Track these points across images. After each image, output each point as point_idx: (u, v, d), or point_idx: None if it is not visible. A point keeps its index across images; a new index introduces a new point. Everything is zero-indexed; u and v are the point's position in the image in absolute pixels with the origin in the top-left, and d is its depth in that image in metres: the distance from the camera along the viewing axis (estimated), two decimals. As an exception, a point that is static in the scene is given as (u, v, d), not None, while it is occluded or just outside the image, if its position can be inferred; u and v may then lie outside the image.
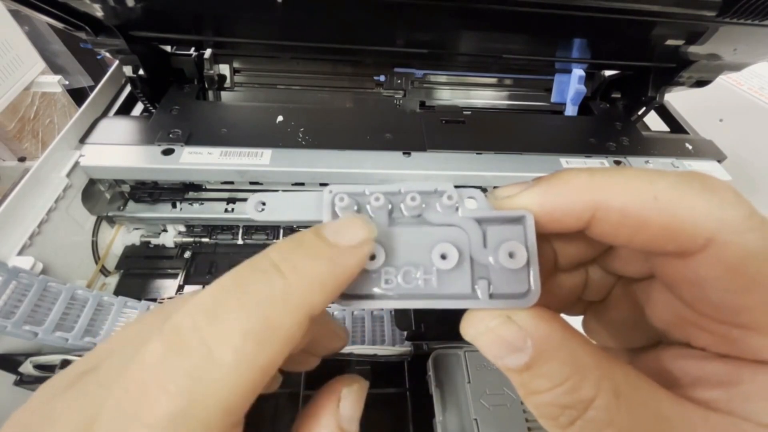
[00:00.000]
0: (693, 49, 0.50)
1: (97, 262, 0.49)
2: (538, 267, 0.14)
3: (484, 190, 0.52)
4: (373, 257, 0.14)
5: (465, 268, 0.14)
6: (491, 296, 0.14)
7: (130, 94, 0.58)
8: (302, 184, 0.50)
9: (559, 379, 0.13)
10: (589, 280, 0.18)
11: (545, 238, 0.16)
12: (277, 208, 0.16)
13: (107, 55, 0.55)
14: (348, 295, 0.14)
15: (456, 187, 0.15)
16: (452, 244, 0.14)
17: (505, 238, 0.14)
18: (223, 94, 0.62)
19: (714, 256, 0.12)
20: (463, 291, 0.14)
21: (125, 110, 0.57)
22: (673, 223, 0.13)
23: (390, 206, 0.15)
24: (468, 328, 0.14)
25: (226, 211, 0.53)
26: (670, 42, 0.49)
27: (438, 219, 0.15)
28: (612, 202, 0.13)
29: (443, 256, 0.14)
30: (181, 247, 0.54)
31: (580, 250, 0.17)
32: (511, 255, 0.14)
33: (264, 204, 0.16)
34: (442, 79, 0.65)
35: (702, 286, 0.13)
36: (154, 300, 0.46)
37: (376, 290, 0.14)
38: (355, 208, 0.15)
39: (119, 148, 0.48)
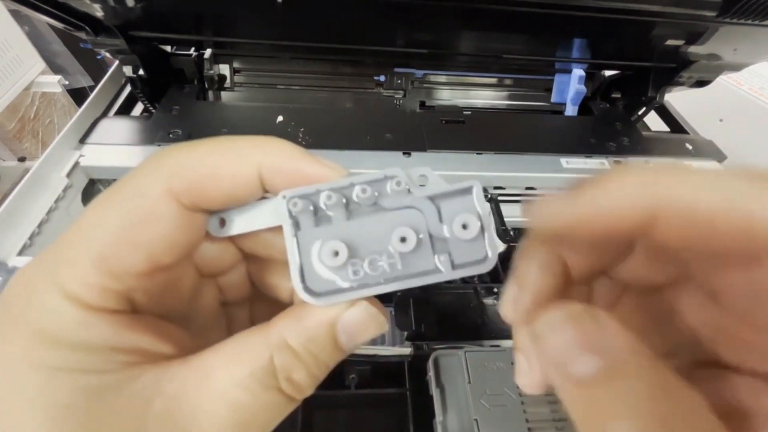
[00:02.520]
0: (693, 49, 0.50)
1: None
2: (493, 230, 0.15)
3: (484, 190, 0.52)
4: (336, 253, 0.14)
5: (425, 246, 0.15)
6: (453, 267, 0.15)
7: (130, 94, 0.58)
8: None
9: (645, 408, 0.10)
10: (594, 290, 0.17)
11: (557, 254, 0.15)
12: (237, 222, 0.16)
13: (107, 55, 0.55)
14: (318, 292, 0.15)
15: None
16: (409, 226, 0.15)
17: (458, 210, 0.15)
18: (223, 94, 0.62)
19: None
20: (428, 267, 0.15)
21: (125, 110, 0.57)
22: (749, 227, 0.11)
23: (344, 200, 0.15)
24: (535, 322, 0.13)
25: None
26: (670, 42, 0.49)
27: (393, 203, 0.15)
28: (679, 203, 0.12)
29: (403, 239, 0.15)
30: (181, 247, 0.54)
31: (592, 261, 0.16)
32: (464, 226, 0.15)
33: (224, 221, 0.16)
34: (442, 79, 0.65)
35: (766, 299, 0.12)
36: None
37: (346, 284, 0.15)
38: (311, 208, 0.15)
39: (119, 148, 0.48)
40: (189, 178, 0.14)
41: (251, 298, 0.20)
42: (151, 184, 0.14)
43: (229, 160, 0.15)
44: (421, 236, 0.15)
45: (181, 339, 0.15)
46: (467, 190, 0.15)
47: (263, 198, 0.16)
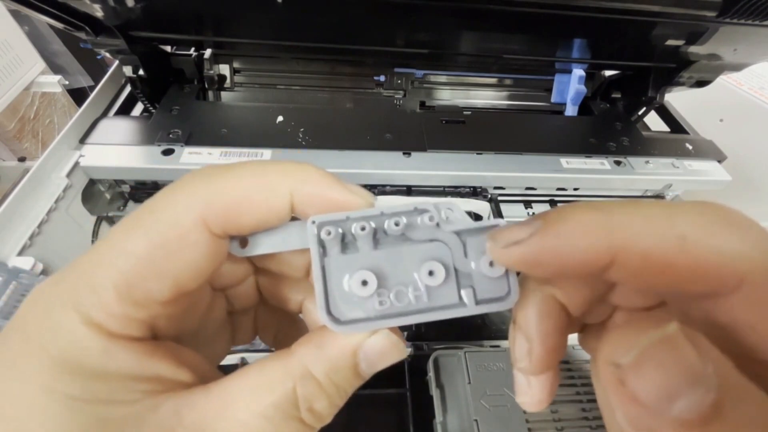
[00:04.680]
0: (693, 49, 0.50)
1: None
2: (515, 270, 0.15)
3: (481, 189, 0.52)
4: (365, 283, 0.15)
5: (451, 280, 0.15)
6: (477, 302, 0.15)
7: (130, 94, 0.58)
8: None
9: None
10: (590, 312, 0.17)
11: (551, 296, 0.15)
12: (261, 244, 0.16)
13: (107, 55, 0.55)
14: (342, 320, 0.15)
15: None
16: (436, 259, 0.15)
17: (483, 247, 0.15)
18: (223, 94, 0.62)
19: (747, 297, 0.12)
20: (452, 301, 0.15)
21: (125, 110, 0.57)
22: (701, 266, 0.12)
23: (373, 228, 0.15)
24: (618, 355, 0.11)
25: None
26: (670, 42, 0.49)
27: (420, 236, 0.15)
28: (634, 246, 0.12)
29: (431, 273, 0.15)
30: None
31: (585, 296, 0.16)
32: (491, 264, 0.15)
33: (246, 241, 0.16)
34: (442, 79, 0.65)
35: (735, 328, 0.12)
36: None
37: (371, 313, 0.15)
38: (340, 230, 0.15)
39: (119, 148, 0.48)
40: (222, 207, 0.14)
41: (256, 304, 0.20)
42: (183, 213, 0.14)
43: (263, 189, 0.15)
44: (447, 270, 0.15)
45: (197, 364, 0.15)
46: (494, 227, 0.15)
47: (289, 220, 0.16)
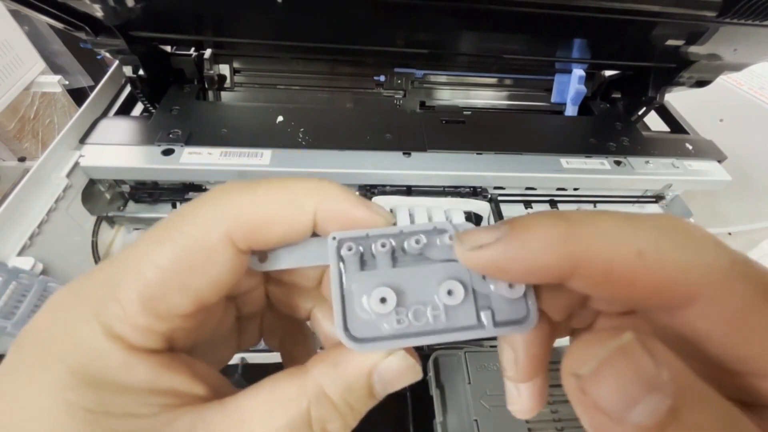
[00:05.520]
0: (693, 49, 0.50)
1: (96, 263, 0.49)
2: (533, 292, 0.15)
3: (481, 189, 0.51)
4: (384, 300, 0.14)
5: (469, 301, 0.15)
6: (495, 324, 0.15)
7: (130, 94, 0.58)
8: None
9: None
10: (573, 317, 0.17)
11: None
12: (281, 259, 0.16)
13: (107, 55, 0.55)
14: (360, 338, 0.14)
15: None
16: (456, 279, 0.15)
17: None
18: (223, 94, 0.62)
19: (702, 311, 0.12)
20: (470, 322, 0.15)
21: (125, 110, 0.57)
22: (658, 281, 0.12)
23: (393, 245, 0.15)
24: (578, 366, 0.11)
25: (226, 211, 0.53)
26: (670, 42, 0.49)
27: (439, 255, 0.15)
28: (594, 259, 0.12)
29: (450, 292, 0.15)
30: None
31: (566, 303, 0.16)
32: (510, 285, 0.15)
33: (265, 255, 0.16)
34: (443, 79, 0.65)
35: (696, 338, 0.13)
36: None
37: (390, 332, 0.15)
38: (360, 247, 0.15)
39: (119, 148, 0.48)
40: (249, 223, 0.14)
41: (263, 309, 0.20)
42: (209, 228, 0.14)
43: (288, 207, 0.15)
44: (465, 290, 0.15)
45: (210, 377, 0.15)
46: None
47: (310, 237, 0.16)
